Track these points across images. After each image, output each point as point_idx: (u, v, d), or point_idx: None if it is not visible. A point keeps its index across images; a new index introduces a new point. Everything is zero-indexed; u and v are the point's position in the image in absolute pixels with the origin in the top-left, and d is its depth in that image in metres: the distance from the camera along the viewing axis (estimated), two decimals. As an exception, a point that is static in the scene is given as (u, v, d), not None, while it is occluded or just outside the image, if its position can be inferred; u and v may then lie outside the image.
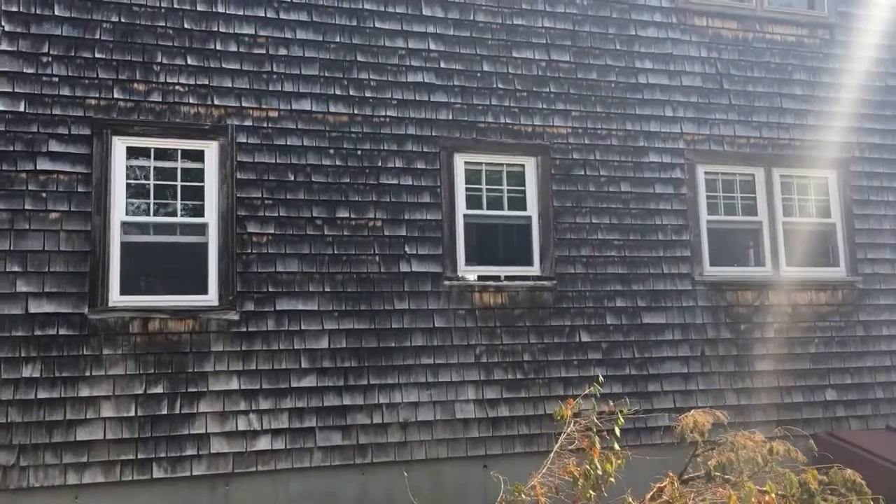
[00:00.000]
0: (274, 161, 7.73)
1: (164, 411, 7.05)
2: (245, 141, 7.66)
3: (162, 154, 7.51)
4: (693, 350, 8.73)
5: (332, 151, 7.91)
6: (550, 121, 8.68)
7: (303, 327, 7.56)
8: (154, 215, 7.47)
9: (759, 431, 8.41)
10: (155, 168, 7.49)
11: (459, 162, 8.34)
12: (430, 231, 8.11)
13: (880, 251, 9.60)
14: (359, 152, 7.99)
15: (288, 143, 7.79)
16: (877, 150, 9.80)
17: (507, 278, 8.30)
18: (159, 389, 7.07)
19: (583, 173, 8.73)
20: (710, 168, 9.23)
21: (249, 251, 7.53)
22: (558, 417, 5.78)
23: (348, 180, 7.92)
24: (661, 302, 8.73)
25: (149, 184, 7.47)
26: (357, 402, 7.60)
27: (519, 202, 8.58)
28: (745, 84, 9.43)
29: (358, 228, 7.89)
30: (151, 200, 7.45)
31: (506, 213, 8.54)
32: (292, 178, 7.75)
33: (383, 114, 8.10)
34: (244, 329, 7.40)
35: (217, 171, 7.56)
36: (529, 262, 8.47)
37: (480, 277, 8.21)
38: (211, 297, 7.41)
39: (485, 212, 8.44)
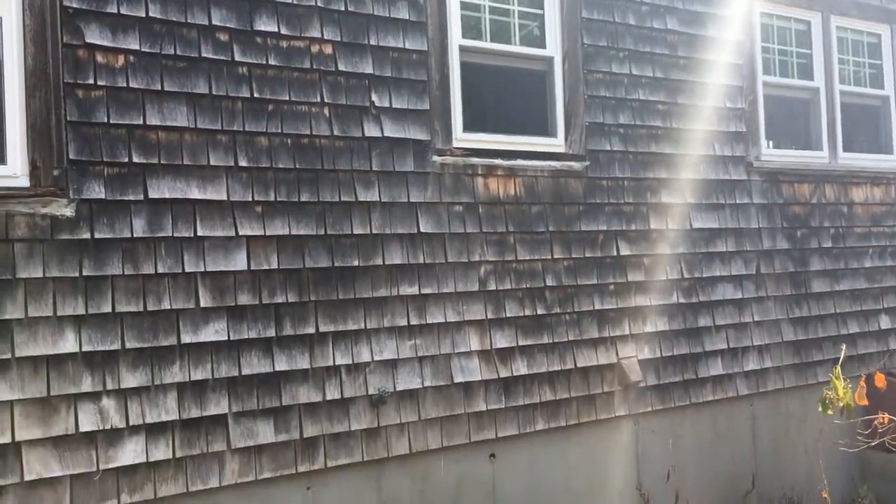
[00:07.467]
0: None
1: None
2: None
3: None
4: (748, 267, 6.15)
5: None
6: None
7: (199, 233, 4.04)
8: None
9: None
10: None
11: (449, -46, 4.97)
12: (411, 69, 4.75)
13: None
14: (291, -85, 4.40)
15: None
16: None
17: (522, 155, 5.16)
18: None
19: (621, -4, 5.68)
20: (767, 8, 6.51)
21: (89, 81, 3.82)
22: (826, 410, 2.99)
23: (274, -36, 4.34)
24: (714, 198, 6.02)
25: None
26: (299, 366, 4.27)
27: (534, 34, 5.38)
28: None
29: (293, 55, 4.37)
30: None
31: (517, 48, 5.30)
32: (171, -52, 4.05)
33: None
34: (86, 234, 3.77)
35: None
36: (550, 132, 5.37)
37: (484, 153, 5.00)
38: (12, 170, 3.67)
39: (488, 44, 5.15)
